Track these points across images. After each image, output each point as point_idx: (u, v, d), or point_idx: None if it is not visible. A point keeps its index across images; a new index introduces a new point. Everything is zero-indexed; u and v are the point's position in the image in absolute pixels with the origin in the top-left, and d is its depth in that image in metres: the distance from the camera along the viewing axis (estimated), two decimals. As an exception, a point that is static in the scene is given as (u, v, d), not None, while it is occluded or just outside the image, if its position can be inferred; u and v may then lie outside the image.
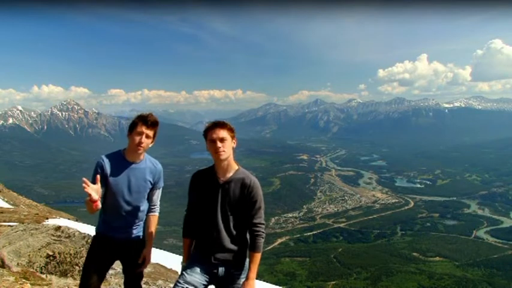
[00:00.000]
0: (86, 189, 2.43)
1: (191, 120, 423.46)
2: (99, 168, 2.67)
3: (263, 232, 2.53)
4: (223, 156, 2.48)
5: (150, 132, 2.71)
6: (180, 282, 2.49)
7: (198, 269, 2.54)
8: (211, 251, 2.53)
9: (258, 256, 2.51)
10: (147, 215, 2.95)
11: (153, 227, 2.96)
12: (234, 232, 2.52)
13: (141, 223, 2.91)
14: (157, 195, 2.95)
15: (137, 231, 2.88)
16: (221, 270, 2.54)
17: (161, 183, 2.93)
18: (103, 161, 2.69)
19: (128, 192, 2.73)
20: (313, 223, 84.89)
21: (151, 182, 2.84)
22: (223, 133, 2.48)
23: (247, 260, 2.62)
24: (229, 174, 2.53)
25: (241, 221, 2.53)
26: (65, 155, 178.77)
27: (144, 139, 2.67)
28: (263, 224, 2.54)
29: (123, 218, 2.77)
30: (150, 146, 2.76)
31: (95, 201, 2.47)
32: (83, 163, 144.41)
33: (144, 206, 2.86)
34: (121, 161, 2.74)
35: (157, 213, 2.99)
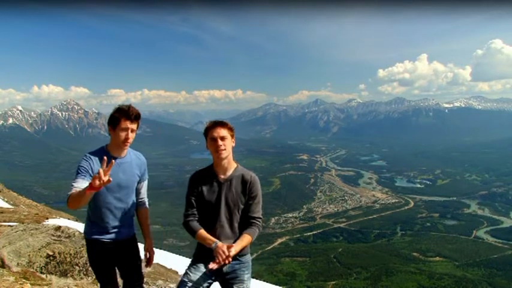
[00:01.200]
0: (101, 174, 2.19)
1: (191, 120, 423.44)
2: (86, 163, 2.55)
3: (260, 225, 2.60)
4: (224, 154, 2.52)
5: (135, 126, 2.63)
6: (184, 281, 2.51)
7: (202, 267, 2.56)
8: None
9: (248, 238, 2.52)
10: (137, 209, 2.88)
11: (147, 220, 2.91)
12: (237, 229, 2.57)
13: (132, 221, 2.84)
14: (145, 188, 2.89)
15: (129, 230, 2.80)
16: (225, 266, 2.54)
17: (146, 175, 2.88)
18: (89, 158, 2.58)
19: (118, 188, 2.65)
20: (313, 223, 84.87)
21: (139, 175, 2.78)
22: (223, 132, 2.52)
23: (249, 255, 2.68)
24: (230, 172, 2.58)
25: (243, 216, 2.59)
26: (65, 155, 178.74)
27: (130, 134, 2.60)
28: (261, 218, 2.62)
29: (114, 216, 2.68)
30: (133, 138, 2.67)
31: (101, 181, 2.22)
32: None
33: (133, 201, 2.80)
34: (107, 157, 2.65)
35: (147, 206, 2.93)
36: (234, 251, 2.39)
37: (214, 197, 2.56)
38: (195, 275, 2.53)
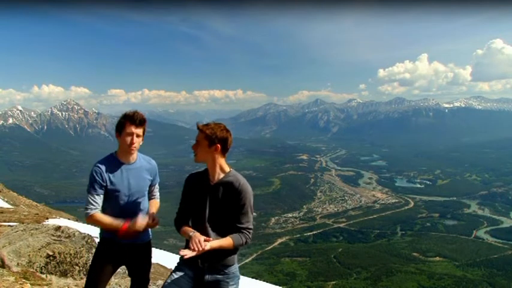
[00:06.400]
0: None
1: (191, 120, 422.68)
2: (98, 175, 2.60)
3: (248, 236, 2.45)
4: (194, 159, 2.53)
5: (140, 131, 2.65)
6: (167, 282, 2.46)
7: (186, 271, 2.49)
8: (199, 254, 2.39)
9: (229, 240, 2.39)
10: (149, 200, 2.91)
11: (154, 208, 2.92)
12: (222, 235, 2.43)
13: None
14: (156, 190, 2.94)
15: (143, 235, 2.80)
16: (208, 275, 2.48)
17: (157, 179, 2.91)
18: (99, 167, 2.62)
19: (129, 194, 2.69)
20: (313, 223, 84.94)
21: (150, 179, 2.82)
22: (197, 136, 2.53)
23: (236, 266, 2.55)
24: (220, 177, 2.48)
25: (229, 225, 2.45)
26: (65, 155, 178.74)
27: (135, 139, 2.63)
28: (251, 229, 2.46)
29: (127, 220, 2.69)
30: (140, 144, 2.71)
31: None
32: (83, 163, 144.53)
33: (145, 205, 2.82)
34: (116, 164, 2.68)
35: (158, 200, 2.98)
36: (209, 245, 2.31)
37: (201, 200, 2.49)
38: (178, 278, 2.46)
